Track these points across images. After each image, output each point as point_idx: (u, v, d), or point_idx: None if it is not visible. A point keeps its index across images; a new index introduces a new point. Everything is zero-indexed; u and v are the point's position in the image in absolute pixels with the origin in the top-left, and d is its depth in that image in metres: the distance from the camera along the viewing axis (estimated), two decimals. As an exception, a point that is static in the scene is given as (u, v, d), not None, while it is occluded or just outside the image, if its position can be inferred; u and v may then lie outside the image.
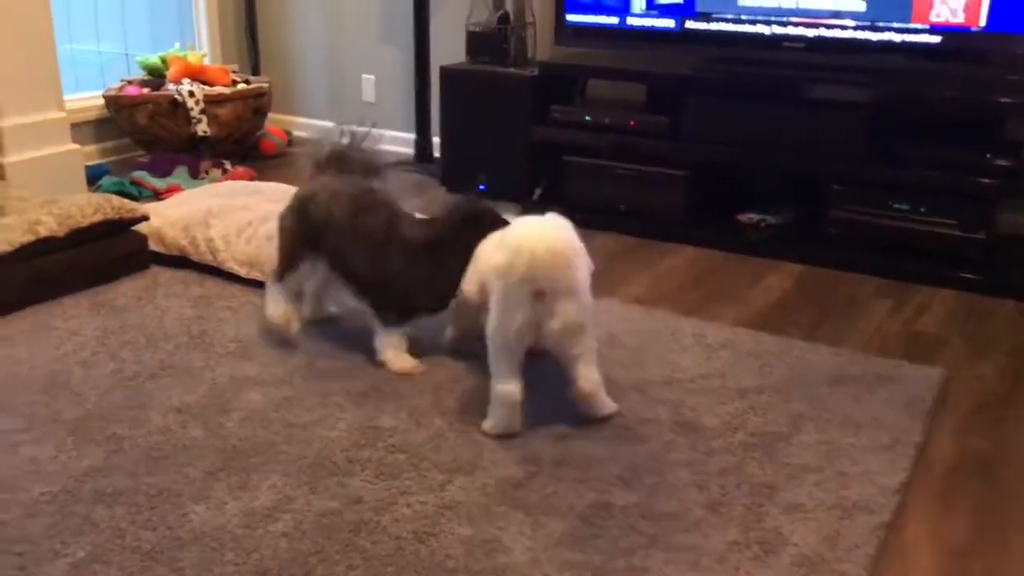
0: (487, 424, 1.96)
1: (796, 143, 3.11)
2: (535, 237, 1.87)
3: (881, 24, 3.00)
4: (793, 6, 3.12)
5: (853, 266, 2.98)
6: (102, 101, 4.02)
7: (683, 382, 2.21)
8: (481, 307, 2.05)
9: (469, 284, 2.12)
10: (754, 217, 3.28)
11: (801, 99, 3.10)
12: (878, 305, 2.73)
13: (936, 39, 2.94)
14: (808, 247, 3.08)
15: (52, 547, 1.58)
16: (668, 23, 3.33)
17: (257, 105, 4.13)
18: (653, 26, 3.36)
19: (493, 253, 1.97)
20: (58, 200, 2.81)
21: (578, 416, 2.01)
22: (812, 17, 3.10)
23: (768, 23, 3.17)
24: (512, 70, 3.62)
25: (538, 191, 3.55)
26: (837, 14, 3.06)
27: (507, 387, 1.92)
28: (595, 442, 1.93)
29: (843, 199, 3.04)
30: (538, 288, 1.87)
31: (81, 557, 1.56)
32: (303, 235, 2.30)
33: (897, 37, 2.99)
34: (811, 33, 3.11)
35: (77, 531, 1.62)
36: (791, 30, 3.14)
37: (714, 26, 3.26)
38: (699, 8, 3.27)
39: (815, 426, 2.02)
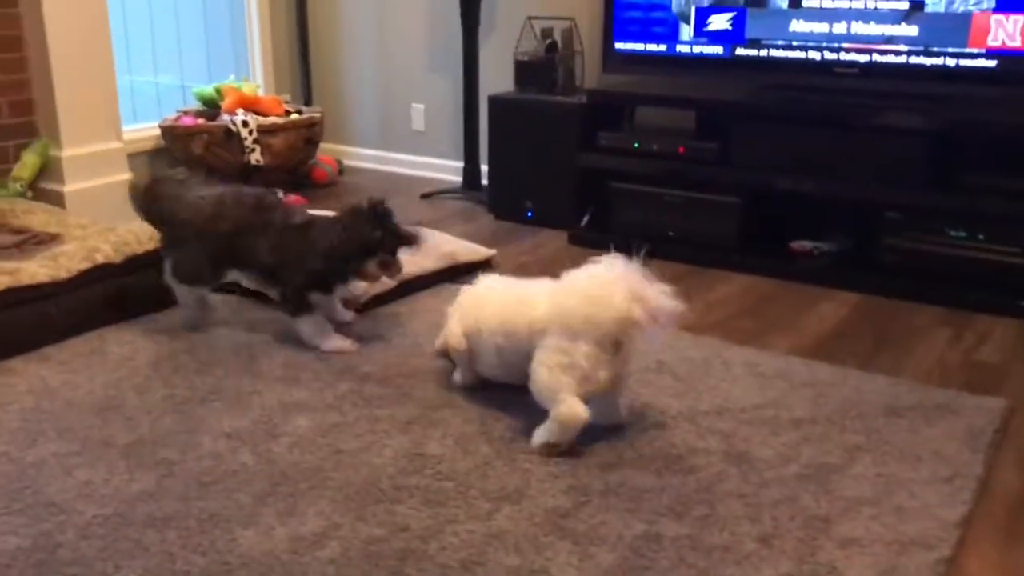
0: (540, 439, 1.96)
1: (849, 170, 3.07)
2: (614, 290, 1.87)
3: (936, 49, 2.95)
4: (844, 32, 3.09)
5: (910, 295, 2.92)
6: (159, 131, 4.12)
7: (735, 412, 2.17)
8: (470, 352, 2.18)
9: (453, 337, 2.18)
10: (807, 245, 3.23)
11: (854, 125, 3.06)
12: (937, 334, 2.67)
13: (993, 63, 2.89)
14: (863, 275, 3.03)
15: (104, 570, 1.60)
16: (717, 50, 3.32)
17: (309, 135, 4.20)
18: (702, 53, 3.35)
19: (548, 303, 1.96)
20: (115, 228, 2.88)
21: (627, 445, 1.99)
22: (864, 43, 3.07)
23: (819, 49, 3.14)
24: (560, 98, 3.63)
25: (585, 218, 3.55)
26: (890, 39, 3.02)
27: (576, 407, 1.91)
28: (644, 472, 1.90)
29: (899, 227, 2.98)
30: (620, 340, 1.89)
31: (132, 580, 1.57)
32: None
33: (952, 62, 2.94)
34: (863, 59, 3.08)
35: (129, 554, 1.64)
36: (843, 56, 3.11)
37: (764, 52, 3.24)
38: (749, 35, 3.25)
39: (872, 458, 1.97)
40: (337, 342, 2.50)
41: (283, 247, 2.47)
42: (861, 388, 2.29)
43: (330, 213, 2.64)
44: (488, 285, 2.21)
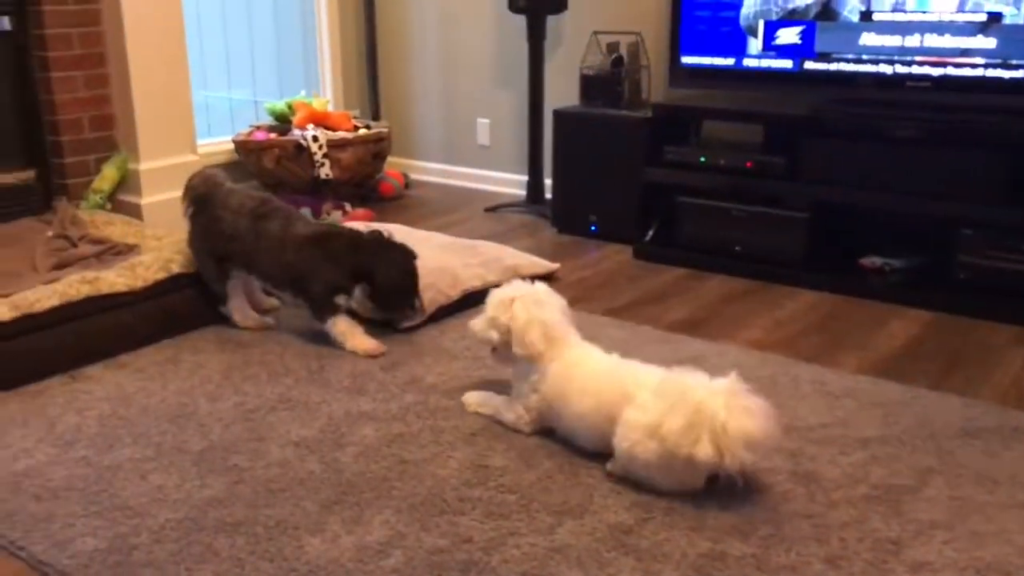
0: (616, 470, 1.94)
1: (922, 185, 3.00)
2: (735, 416, 1.78)
3: (1014, 61, 2.88)
4: (917, 44, 3.03)
5: (985, 313, 2.84)
6: (232, 145, 4.22)
7: (802, 430, 2.14)
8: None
9: (482, 330, 2.15)
10: (877, 261, 3.17)
11: (927, 139, 3.00)
12: (1013, 354, 2.59)
13: (1075, 76, 2.81)
14: (936, 293, 2.96)
15: (177, 573, 1.64)
16: (786, 64, 3.28)
17: (377, 149, 4.26)
18: (770, 67, 3.32)
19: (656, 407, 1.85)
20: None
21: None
22: (938, 56, 3.00)
23: (891, 62, 3.09)
24: (626, 112, 3.63)
25: (650, 232, 3.54)
26: (966, 52, 2.95)
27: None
28: (708, 491, 1.88)
29: (973, 243, 2.90)
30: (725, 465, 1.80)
31: (202, 584, 1.61)
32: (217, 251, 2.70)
33: (1032, 74, 2.86)
34: (937, 72, 3.01)
35: (200, 559, 1.68)
36: (915, 69, 3.05)
37: (834, 66, 3.19)
38: (818, 48, 3.21)
39: (944, 481, 1.92)
40: (366, 343, 2.57)
41: (292, 261, 2.59)
42: (933, 408, 2.24)
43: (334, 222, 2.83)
44: (577, 361, 2.06)
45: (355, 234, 2.65)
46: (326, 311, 2.59)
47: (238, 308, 2.75)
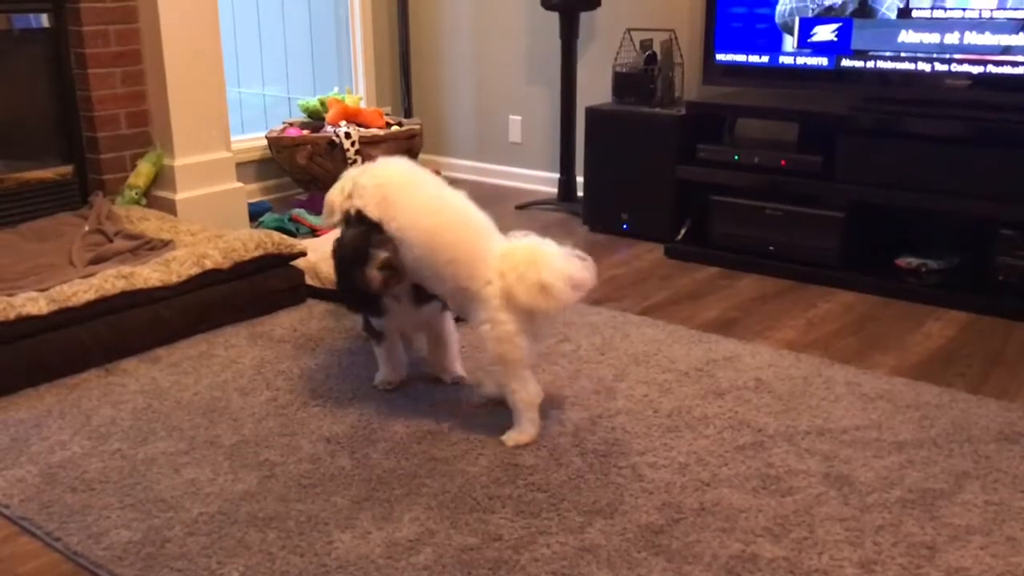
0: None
1: (960, 185, 2.95)
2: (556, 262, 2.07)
3: (1057, 59, 2.83)
4: (957, 42, 2.98)
5: (1024, 315, 2.80)
6: (265, 142, 4.25)
7: (836, 432, 2.11)
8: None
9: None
10: (914, 262, 3.12)
11: (966, 139, 2.95)
12: (1053, 358, 2.55)
13: (1120, 74, 2.75)
14: (974, 294, 2.91)
15: (208, 566, 1.65)
16: (822, 61, 3.24)
17: (409, 146, 4.27)
18: (806, 64, 3.28)
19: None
20: (223, 234, 2.98)
21: (722, 464, 1.96)
22: (979, 53, 2.95)
23: (930, 60, 3.04)
24: (658, 110, 3.60)
25: (683, 231, 3.51)
26: (1007, 49, 2.90)
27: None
28: (740, 492, 1.87)
29: (1013, 244, 2.86)
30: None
31: (234, 577, 1.62)
32: None
33: (1075, 72, 2.81)
34: (976, 70, 2.96)
35: (232, 552, 1.69)
36: (954, 67, 3.00)
37: (871, 64, 3.15)
38: (855, 46, 3.17)
39: (981, 485, 1.89)
40: (382, 375, 2.36)
41: None
42: (970, 412, 2.20)
43: None
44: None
45: None
46: (368, 331, 2.37)
47: None
